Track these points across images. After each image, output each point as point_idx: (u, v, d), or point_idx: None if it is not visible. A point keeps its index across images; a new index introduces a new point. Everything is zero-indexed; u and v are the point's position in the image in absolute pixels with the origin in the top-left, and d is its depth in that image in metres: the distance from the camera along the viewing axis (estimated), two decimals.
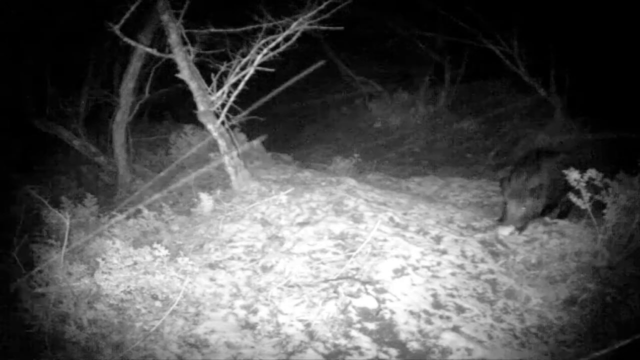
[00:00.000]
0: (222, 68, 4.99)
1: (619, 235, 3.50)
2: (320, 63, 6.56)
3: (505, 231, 4.10)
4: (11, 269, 3.80)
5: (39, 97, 6.64)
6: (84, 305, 3.34)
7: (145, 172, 6.60)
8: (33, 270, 3.59)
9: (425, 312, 3.31)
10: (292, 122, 10.99)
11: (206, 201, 4.90)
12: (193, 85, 4.86)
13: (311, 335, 3.13)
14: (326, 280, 3.64)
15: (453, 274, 3.70)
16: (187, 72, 4.80)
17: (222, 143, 5.14)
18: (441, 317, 3.26)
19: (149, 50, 5.05)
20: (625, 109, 6.47)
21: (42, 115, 6.57)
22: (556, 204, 4.50)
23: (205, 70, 5.02)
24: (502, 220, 4.27)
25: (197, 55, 4.92)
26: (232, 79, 4.98)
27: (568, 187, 3.63)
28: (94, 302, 3.39)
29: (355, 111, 10.85)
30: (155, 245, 3.67)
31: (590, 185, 3.49)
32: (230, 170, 5.27)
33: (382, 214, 4.58)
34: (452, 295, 3.46)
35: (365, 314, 3.29)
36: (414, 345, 3.03)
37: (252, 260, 4.04)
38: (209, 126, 5.05)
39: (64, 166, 7.17)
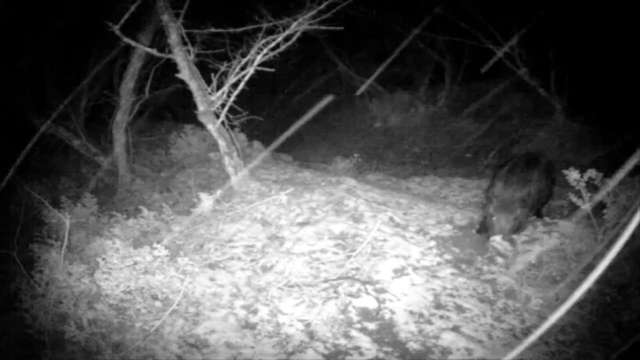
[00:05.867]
0: (222, 68, 4.99)
1: (619, 235, 3.49)
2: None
3: (497, 237, 4.04)
4: (11, 269, 3.81)
5: (39, 97, 6.63)
6: (84, 305, 3.35)
7: (145, 172, 6.59)
8: (33, 270, 3.59)
9: (425, 312, 3.31)
10: (292, 122, 10.96)
11: (206, 201, 4.89)
12: (193, 85, 4.86)
13: (311, 335, 3.13)
14: (326, 280, 3.64)
15: (453, 274, 3.70)
16: (187, 72, 4.80)
17: (222, 143, 5.15)
18: (441, 317, 3.26)
19: (149, 50, 5.05)
20: (626, 109, 6.47)
21: (42, 115, 6.57)
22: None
23: (205, 70, 5.02)
24: (480, 232, 4.20)
25: (197, 55, 4.92)
26: (232, 79, 4.98)
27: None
28: (94, 302, 3.39)
29: (355, 111, 10.83)
30: (155, 245, 3.67)
31: (591, 185, 3.48)
32: (230, 170, 5.27)
33: (382, 214, 4.58)
34: (452, 295, 3.47)
35: (365, 314, 3.29)
36: (414, 346, 3.03)
37: (252, 260, 4.04)
38: (209, 126, 5.06)
39: (64, 166, 7.17)
